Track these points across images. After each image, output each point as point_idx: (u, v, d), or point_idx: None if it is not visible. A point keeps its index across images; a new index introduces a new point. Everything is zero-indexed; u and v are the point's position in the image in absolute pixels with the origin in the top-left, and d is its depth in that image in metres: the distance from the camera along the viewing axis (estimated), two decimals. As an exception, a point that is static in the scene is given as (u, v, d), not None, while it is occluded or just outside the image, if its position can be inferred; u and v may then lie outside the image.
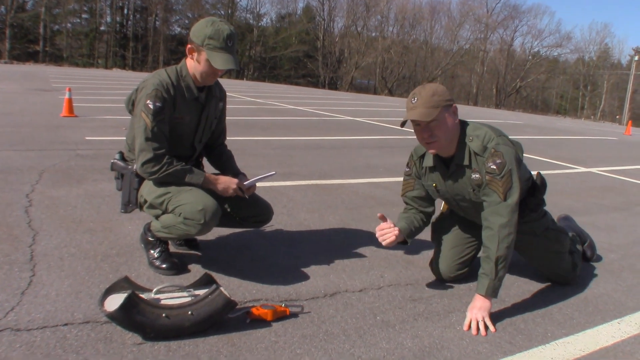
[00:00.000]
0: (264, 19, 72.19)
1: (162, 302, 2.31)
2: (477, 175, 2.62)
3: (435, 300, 2.81)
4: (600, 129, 26.90)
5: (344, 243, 3.60)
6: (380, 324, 2.48)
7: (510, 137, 2.72)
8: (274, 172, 3.15)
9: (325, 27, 70.81)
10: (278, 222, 3.90)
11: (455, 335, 2.43)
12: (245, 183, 2.86)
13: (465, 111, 28.21)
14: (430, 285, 3.01)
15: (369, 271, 3.13)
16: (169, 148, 2.74)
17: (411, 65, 70.82)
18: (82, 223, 3.54)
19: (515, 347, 2.38)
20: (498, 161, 2.54)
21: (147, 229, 2.94)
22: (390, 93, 64.31)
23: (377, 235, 2.75)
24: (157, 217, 2.82)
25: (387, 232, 2.73)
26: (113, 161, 2.92)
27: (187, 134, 2.86)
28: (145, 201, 2.80)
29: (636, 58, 62.26)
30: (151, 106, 2.62)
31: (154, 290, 2.37)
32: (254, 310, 2.38)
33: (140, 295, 2.25)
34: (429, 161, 2.79)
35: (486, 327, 2.49)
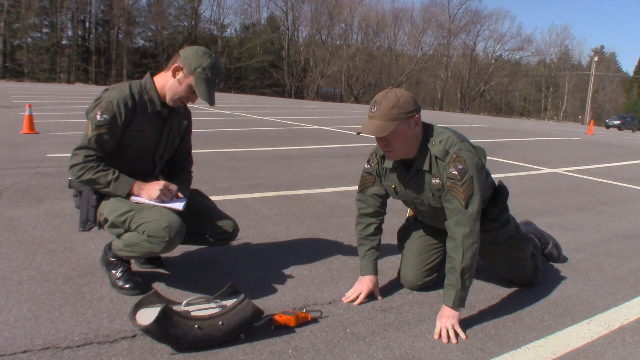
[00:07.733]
0: (228, 30, 72.48)
1: (193, 313, 2.35)
2: (437, 181, 2.58)
3: (405, 309, 2.78)
4: (563, 129, 27.43)
5: (312, 255, 3.56)
6: (350, 336, 2.44)
7: (473, 141, 2.70)
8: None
9: (290, 37, 71.18)
10: (245, 236, 3.84)
11: (426, 345, 2.40)
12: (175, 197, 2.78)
13: (431, 116, 28.49)
14: (399, 294, 2.98)
15: (337, 282, 3.09)
16: (125, 161, 2.76)
17: (376, 72, 71.55)
18: (42, 244, 3.44)
19: (486, 353, 2.36)
20: (460, 167, 2.49)
21: (108, 249, 2.86)
22: (357, 100, 64.78)
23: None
24: (118, 235, 2.74)
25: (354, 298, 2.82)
26: (71, 178, 2.84)
27: (147, 148, 2.82)
28: (106, 220, 2.72)
29: (595, 59, 63.88)
30: (98, 117, 2.63)
31: (184, 302, 2.40)
32: (277, 317, 2.45)
33: (173, 308, 2.28)
34: (389, 162, 2.76)
35: (457, 335, 2.47)
